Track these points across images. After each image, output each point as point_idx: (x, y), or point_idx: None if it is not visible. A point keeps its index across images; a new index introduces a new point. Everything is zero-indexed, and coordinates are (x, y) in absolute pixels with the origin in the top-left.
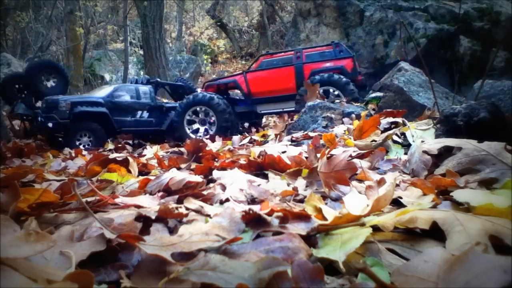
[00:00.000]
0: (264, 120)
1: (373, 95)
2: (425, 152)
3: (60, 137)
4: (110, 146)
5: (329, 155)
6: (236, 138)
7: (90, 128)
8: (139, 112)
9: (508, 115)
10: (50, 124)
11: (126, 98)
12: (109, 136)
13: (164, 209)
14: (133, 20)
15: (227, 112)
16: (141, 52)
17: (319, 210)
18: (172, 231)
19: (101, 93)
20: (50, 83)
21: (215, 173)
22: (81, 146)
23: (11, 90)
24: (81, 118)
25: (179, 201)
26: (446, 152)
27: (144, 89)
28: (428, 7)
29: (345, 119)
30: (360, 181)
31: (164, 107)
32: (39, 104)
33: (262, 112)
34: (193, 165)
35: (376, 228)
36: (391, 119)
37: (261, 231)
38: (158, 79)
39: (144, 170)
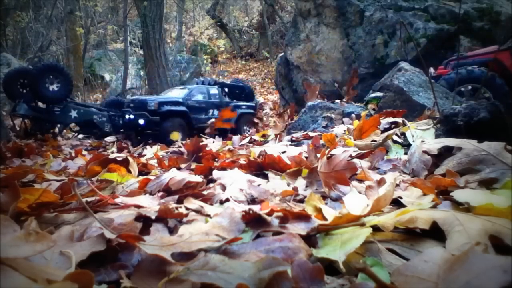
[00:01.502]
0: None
1: (373, 95)
2: (425, 152)
3: (152, 133)
4: (113, 149)
5: (329, 155)
6: (236, 138)
7: (178, 124)
8: (211, 110)
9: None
10: (141, 122)
11: (200, 98)
12: (188, 131)
13: (164, 209)
14: (133, 20)
15: None
16: (141, 52)
17: (319, 210)
18: (172, 231)
19: (177, 93)
20: (53, 87)
21: (215, 173)
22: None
23: (15, 86)
24: (167, 116)
25: (179, 201)
26: (446, 152)
27: (213, 89)
28: (428, 7)
29: (345, 119)
30: (360, 181)
31: (232, 105)
32: (41, 105)
33: None
34: (193, 165)
35: (376, 228)
36: (391, 119)
37: (261, 231)
38: (223, 81)
39: (144, 170)
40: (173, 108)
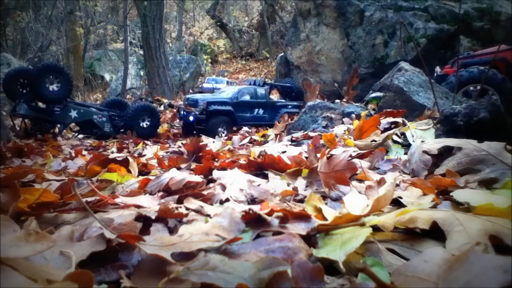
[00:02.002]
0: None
1: (373, 95)
2: (425, 152)
3: (200, 128)
4: (113, 149)
5: (329, 155)
6: (236, 138)
7: (222, 121)
8: (256, 109)
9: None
10: (191, 118)
11: (247, 98)
12: (233, 127)
13: (164, 209)
14: (133, 20)
15: None
16: (141, 52)
17: (319, 210)
18: (172, 231)
19: (227, 93)
20: (53, 87)
21: (215, 173)
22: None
23: (15, 86)
24: (214, 114)
25: (179, 201)
26: (446, 152)
27: (261, 90)
28: (428, 7)
29: (345, 119)
30: (360, 181)
31: (276, 105)
32: (41, 105)
33: None
34: (193, 165)
35: (376, 228)
36: (391, 119)
37: (261, 231)
38: (271, 82)
39: (144, 170)
40: (220, 107)
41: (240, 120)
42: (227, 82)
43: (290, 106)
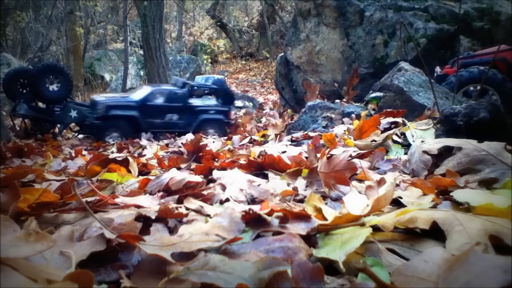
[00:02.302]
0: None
1: (373, 95)
2: (425, 152)
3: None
4: (113, 149)
5: (329, 155)
6: (236, 138)
7: (122, 127)
8: (169, 115)
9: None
10: (87, 122)
11: (160, 101)
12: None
13: (164, 209)
14: (133, 20)
15: None
16: (141, 52)
17: (319, 210)
18: (172, 231)
19: (139, 95)
20: (53, 87)
21: (215, 173)
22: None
23: (15, 86)
24: (114, 119)
25: (179, 201)
26: (446, 152)
27: (179, 91)
28: (428, 7)
29: (345, 119)
30: (360, 181)
31: (195, 110)
32: (41, 105)
33: None
34: (193, 165)
35: (376, 228)
36: (391, 119)
37: (261, 231)
38: (192, 83)
39: (144, 170)
40: (120, 112)
41: (146, 126)
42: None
43: (212, 112)
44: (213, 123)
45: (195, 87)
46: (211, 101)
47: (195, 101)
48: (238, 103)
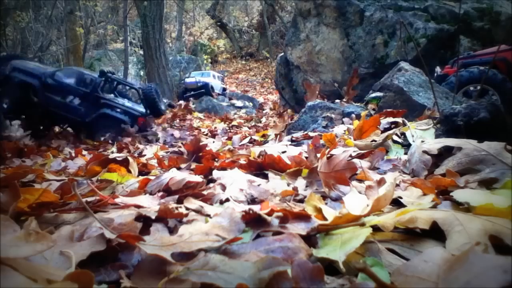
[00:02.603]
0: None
1: (373, 95)
2: (425, 152)
3: None
4: (113, 149)
5: (329, 155)
6: (236, 137)
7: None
8: (71, 97)
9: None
10: None
11: (70, 81)
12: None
13: (164, 209)
14: (133, 20)
15: None
16: (141, 52)
17: (319, 210)
18: (172, 231)
19: (52, 68)
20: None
21: (215, 173)
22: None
23: None
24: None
25: (179, 201)
26: (446, 152)
27: (94, 79)
28: (428, 7)
29: (345, 119)
30: (360, 181)
31: (100, 102)
32: None
33: None
34: (193, 165)
35: (376, 228)
36: (391, 119)
37: (261, 231)
38: (113, 75)
39: (144, 170)
40: (22, 76)
41: (44, 99)
42: (214, 76)
43: (118, 110)
44: (112, 121)
45: (115, 81)
46: (125, 100)
47: (106, 94)
48: (238, 103)
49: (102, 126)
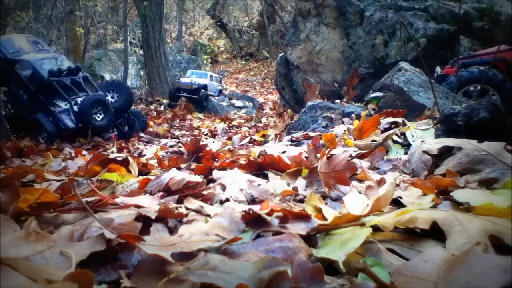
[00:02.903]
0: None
1: (373, 95)
2: (425, 152)
3: None
4: (113, 149)
5: (329, 155)
6: (236, 138)
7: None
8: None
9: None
10: None
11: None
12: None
13: (164, 209)
14: (133, 20)
15: None
16: (141, 52)
17: (319, 210)
18: (172, 231)
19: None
20: None
21: (215, 173)
22: None
23: None
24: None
25: (179, 201)
26: (446, 152)
27: (68, 66)
28: (428, 7)
29: (345, 119)
30: (360, 181)
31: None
32: None
33: None
34: (193, 165)
35: (376, 228)
36: (391, 119)
37: (261, 231)
38: (86, 74)
39: (144, 170)
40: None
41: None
42: (211, 77)
43: (50, 118)
44: (41, 129)
45: (64, 71)
46: (75, 106)
47: (52, 96)
48: (238, 103)
49: (35, 130)
